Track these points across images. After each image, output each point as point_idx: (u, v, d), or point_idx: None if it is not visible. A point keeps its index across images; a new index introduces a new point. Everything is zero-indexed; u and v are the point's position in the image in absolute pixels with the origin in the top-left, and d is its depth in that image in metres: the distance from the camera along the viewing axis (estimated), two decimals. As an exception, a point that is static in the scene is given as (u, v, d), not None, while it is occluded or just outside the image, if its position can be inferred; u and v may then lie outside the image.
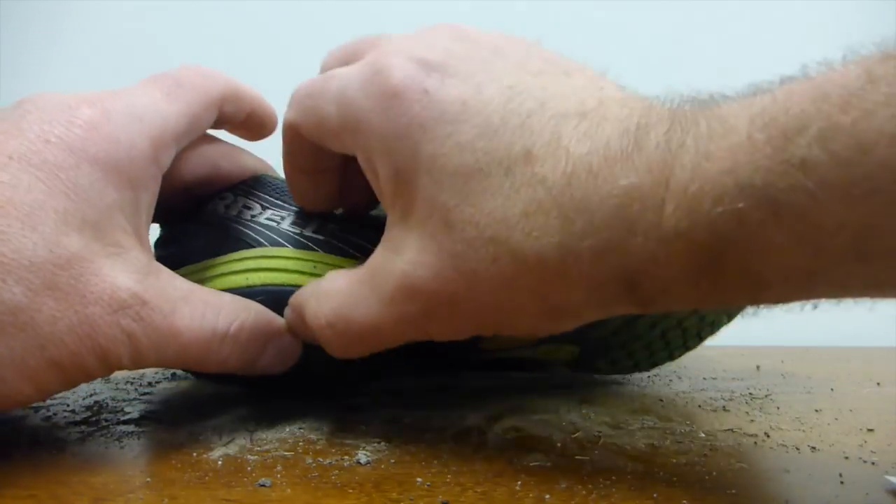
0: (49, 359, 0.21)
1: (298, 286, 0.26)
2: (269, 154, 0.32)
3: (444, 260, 0.21)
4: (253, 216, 0.29)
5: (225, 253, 0.28)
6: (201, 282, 0.27)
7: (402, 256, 0.22)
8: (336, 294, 0.24)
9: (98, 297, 0.21)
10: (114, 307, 0.21)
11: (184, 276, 0.25)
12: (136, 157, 0.23)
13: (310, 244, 0.28)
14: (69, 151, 0.22)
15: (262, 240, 0.28)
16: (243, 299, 0.26)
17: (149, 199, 0.25)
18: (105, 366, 0.22)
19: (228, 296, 0.26)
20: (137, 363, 0.22)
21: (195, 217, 0.30)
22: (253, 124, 0.31)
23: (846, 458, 0.24)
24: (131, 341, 0.22)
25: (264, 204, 0.29)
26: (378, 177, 0.23)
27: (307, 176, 0.28)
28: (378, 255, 0.23)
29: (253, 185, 0.30)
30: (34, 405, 0.31)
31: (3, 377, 0.20)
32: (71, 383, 0.22)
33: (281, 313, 0.26)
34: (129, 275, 0.22)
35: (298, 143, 0.26)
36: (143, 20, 0.69)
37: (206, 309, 0.24)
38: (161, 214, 0.27)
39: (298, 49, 0.69)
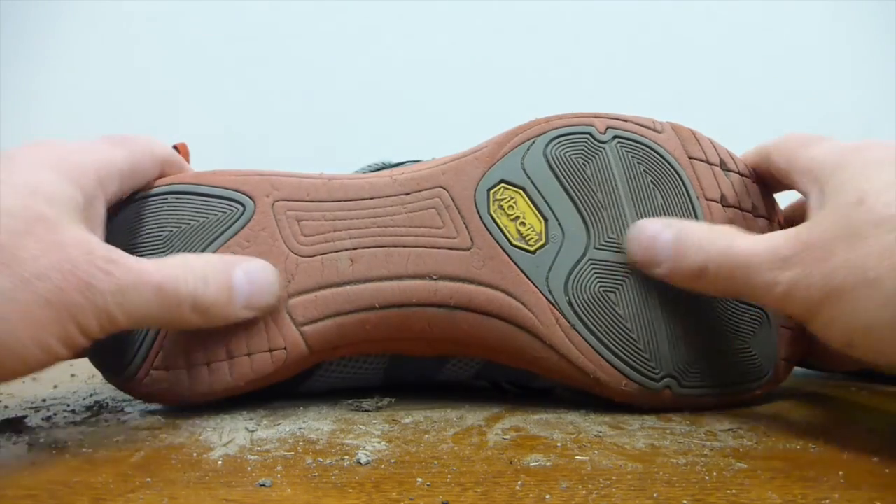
0: (36, 293, 0.22)
1: None
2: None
3: None
4: None
5: None
6: None
7: None
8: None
9: (74, 242, 0.23)
10: (89, 250, 0.23)
11: None
12: (84, 172, 0.26)
13: None
14: (30, 159, 0.25)
15: None
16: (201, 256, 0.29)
17: (97, 213, 0.27)
18: (91, 304, 0.23)
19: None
20: (121, 305, 0.24)
21: None
22: None
23: (846, 457, 0.24)
24: (110, 278, 0.23)
25: None
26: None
27: None
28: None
29: None
30: (34, 405, 0.32)
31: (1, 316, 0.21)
32: (64, 330, 0.23)
33: None
34: (97, 237, 0.25)
35: None
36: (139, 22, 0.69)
37: (168, 261, 0.27)
38: None
39: (298, 50, 0.69)
